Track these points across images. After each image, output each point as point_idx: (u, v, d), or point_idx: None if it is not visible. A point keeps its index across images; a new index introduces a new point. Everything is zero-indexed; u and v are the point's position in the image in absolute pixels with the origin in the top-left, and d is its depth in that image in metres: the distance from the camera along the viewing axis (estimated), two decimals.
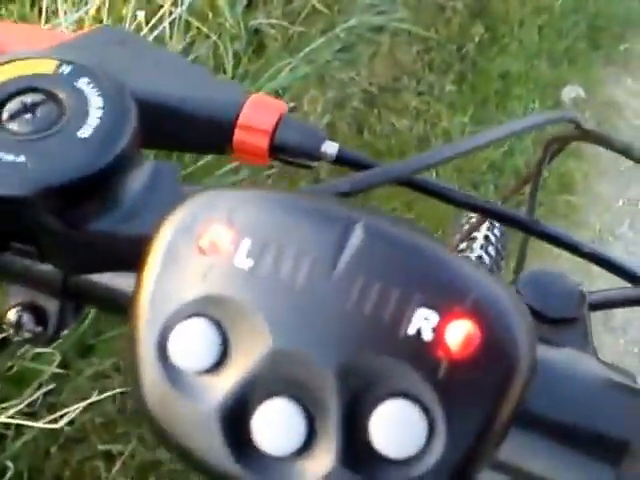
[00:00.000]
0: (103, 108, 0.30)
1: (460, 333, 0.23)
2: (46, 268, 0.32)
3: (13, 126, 0.30)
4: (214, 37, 1.67)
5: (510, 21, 2.31)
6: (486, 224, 1.17)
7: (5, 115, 0.31)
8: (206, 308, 0.25)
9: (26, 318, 0.34)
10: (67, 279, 0.33)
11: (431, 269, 0.24)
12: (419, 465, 0.24)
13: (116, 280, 0.32)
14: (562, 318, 0.31)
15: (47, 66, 0.32)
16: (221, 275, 0.25)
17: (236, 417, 0.25)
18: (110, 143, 0.30)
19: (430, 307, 0.24)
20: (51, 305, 0.34)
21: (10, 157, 0.29)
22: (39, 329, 0.34)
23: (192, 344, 0.25)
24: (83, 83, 0.31)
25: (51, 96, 0.31)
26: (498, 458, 0.26)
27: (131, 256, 0.27)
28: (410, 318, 0.24)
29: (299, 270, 0.24)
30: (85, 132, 0.30)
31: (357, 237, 0.25)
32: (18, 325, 0.34)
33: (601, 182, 2.05)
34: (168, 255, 0.26)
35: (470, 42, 2.19)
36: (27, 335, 0.34)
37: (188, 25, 1.67)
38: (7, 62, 0.32)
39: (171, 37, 1.61)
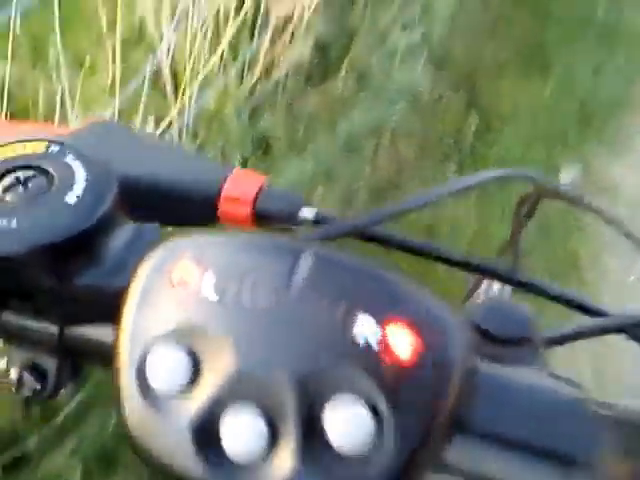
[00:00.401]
0: (86, 179, 0.34)
1: (400, 340, 0.27)
2: (42, 325, 0.35)
3: (7, 197, 0.34)
4: (221, 143, 1.72)
5: (502, 109, 2.38)
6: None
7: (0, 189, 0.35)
8: (178, 335, 0.29)
9: (26, 376, 0.36)
10: (63, 335, 0.35)
11: (373, 284, 0.28)
12: (373, 463, 0.27)
13: (109, 335, 0.34)
14: (511, 338, 0.35)
15: (38, 147, 0.36)
16: (190, 305, 0.28)
17: (206, 430, 0.28)
18: (92, 209, 0.34)
19: (372, 317, 0.27)
20: (49, 363, 0.36)
21: (4, 222, 0.33)
22: (38, 387, 0.36)
23: (166, 368, 0.28)
24: (70, 159, 0.35)
25: (41, 171, 0.35)
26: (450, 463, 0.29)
27: (118, 307, 0.30)
28: (355, 328, 0.27)
29: (258, 295, 0.28)
30: (70, 199, 0.34)
31: (305, 263, 0.28)
32: (19, 383, 0.36)
33: (609, 256, 2.06)
34: (144, 292, 0.30)
35: (467, 130, 2.26)
36: (27, 393, 0.36)
37: (196, 133, 1.72)
38: (2, 146, 0.37)
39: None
